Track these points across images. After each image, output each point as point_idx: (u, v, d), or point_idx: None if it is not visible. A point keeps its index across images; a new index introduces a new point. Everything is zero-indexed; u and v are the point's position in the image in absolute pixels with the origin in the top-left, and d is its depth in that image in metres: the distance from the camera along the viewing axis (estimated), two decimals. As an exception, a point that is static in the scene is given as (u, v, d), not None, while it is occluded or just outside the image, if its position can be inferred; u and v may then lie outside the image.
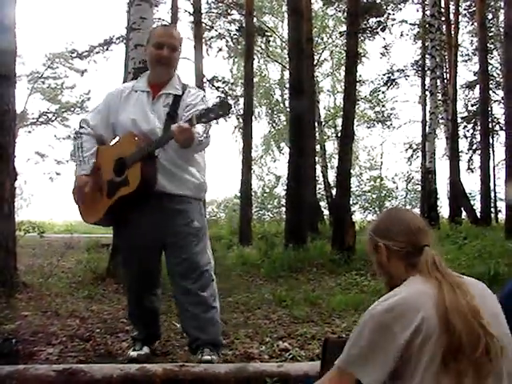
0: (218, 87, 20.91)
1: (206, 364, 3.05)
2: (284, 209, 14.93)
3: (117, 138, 3.46)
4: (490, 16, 21.97)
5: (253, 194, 18.23)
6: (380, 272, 1.93)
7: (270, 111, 27.50)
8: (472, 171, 26.28)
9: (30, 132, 32.93)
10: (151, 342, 3.60)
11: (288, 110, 13.25)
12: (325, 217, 18.74)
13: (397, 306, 1.63)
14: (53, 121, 33.09)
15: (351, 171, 11.39)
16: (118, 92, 3.50)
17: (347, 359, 1.67)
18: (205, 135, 3.13)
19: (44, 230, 9.68)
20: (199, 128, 3.05)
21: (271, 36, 23.21)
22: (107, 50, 20.68)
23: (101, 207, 3.36)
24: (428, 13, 17.58)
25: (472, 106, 26.25)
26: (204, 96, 3.48)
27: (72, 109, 32.79)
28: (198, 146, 3.15)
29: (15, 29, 6.00)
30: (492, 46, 23.09)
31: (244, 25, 16.70)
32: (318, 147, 20.78)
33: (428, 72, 18.24)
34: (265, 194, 25.88)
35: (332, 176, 23.36)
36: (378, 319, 1.64)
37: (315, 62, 20.60)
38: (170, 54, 3.35)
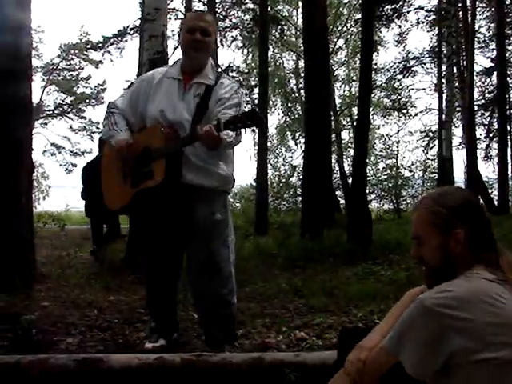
0: (233, 77, 20.85)
1: (223, 353, 3.07)
2: (300, 198, 14.88)
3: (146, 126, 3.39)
4: (507, 1, 21.64)
5: (268, 183, 18.21)
6: (437, 260, 1.69)
7: (285, 101, 27.38)
8: (489, 159, 26.03)
9: (45, 124, 33.18)
10: (169, 334, 3.58)
11: (303, 99, 13.19)
12: (341, 206, 18.66)
13: (459, 300, 1.51)
14: (68, 112, 33.29)
15: (367, 160, 11.32)
16: (150, 79, 3.43)
17: (392, 343, 1.60)
18: (234, 135, 3.07)
19: (65, 223, 9.76)
20: (228, 130, 2.96)
21: (285, 25, 23.10)
22: (122, 41, 20.72)
23: (124, 196, 3.35)
24: (444, -1, 17.39)
25: (489, 93, 25.89)
26: (238, 88, 3.41)
27: (87, 100, 32.97)
28: (226, 146, 3.12)
29: (31, 23, 6.03)
30: (510, 31, 22.76)
31: (258, 14, 16.63)
32: (333, 136, 20.68)
33: (444, 59, 18.08)
34: (281, 184, 25.80)
35: (348, 165, 23.24)
36: (432, 312, 1.51)
37: (330, 50, 20.48)
38: (203, 38, 3.27)
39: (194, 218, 3.28)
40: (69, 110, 33.37)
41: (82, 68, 33.05)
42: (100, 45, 21.77)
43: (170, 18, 19.59)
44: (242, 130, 3.04)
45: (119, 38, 20.66)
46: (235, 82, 3.50)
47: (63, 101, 33.48)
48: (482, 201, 18.75)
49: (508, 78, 21.49)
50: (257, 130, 13.37)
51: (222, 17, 20.21)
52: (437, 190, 1.80)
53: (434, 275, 1.72)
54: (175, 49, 19.72)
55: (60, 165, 34.03)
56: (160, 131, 3.20)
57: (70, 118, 33.50)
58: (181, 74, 3.35)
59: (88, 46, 26.33)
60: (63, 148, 34.00)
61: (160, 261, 3.45)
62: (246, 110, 3.00)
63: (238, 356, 3.01)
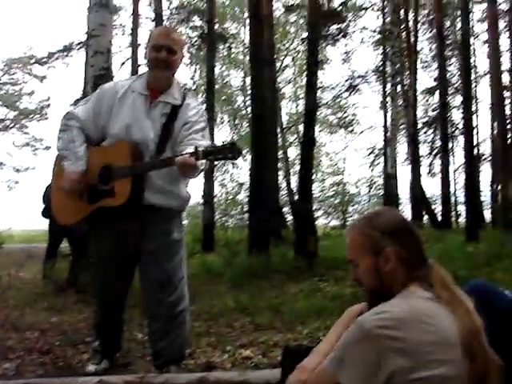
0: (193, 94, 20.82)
1: (167, 374, 3.02)
2: (247, 215, 14.91)
3: (108, 142, 3.28)
4: (447, 24, 22.36)
5: (215, 200, 18.18)
6: (370, 280, 1.71)
7: (232, 117, 27.50)
8: (433, 175, 26.71)
9: (-13, 139, 32.38)
10: (112, 354, 3.52)
11: (250, 116, 13.28)
12: (288, 223, 18.78)
13: (397, 321, 1.51)
14: (11, 128, 32.55)
15: (314, 177, 11.44)
16: (113, 90, 3.32)
17: (332, 364, 1.59)
18: (206, 164, 3.02)
19: (3, 241, 9.50)
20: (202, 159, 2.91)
21: (233, 42, 23.27)
22: (67, 56, 20.46)
23: (79, 211, 3.27)
24: (388, 20, 17.82)
25: (432, 111, 26.69)
26: (204, 111, 3.40)
27: (31, 115, 32.31)
28: (197, 174, 3.10)
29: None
30: (450, 53, 23.50)
31: (206, 31, 16.68)
32: (280, 153, 20.84)
33: (388, 78, 18.47)
34: (228, 201, 25.84)
35: (295, 182, 23.46)
36: (371, 333, 1.51)
37: (277, 68, 20.70)
38: (168, 56, 3.21)
39: (151, 238, 3.23)
40: (11, 125, 32.65)
41: (26, 82, 32.46)
42: (45, 59, 21.44)
43: (116, 34, 19.48)
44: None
45: (64, 53, 20.39)
46: (200, 103, 3.49)
47: (6, 116, 32.77)
48: (425, 216, 19.22)
49: (449, 97, 22.17)
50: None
51: (169, 33, 20.16)
52: (367, 212, 1.83)
53: (372, 296, 1.73)
54: (122, 65, 19.62)
55: (2, 181, 33.25)
56: (126, 150, 3.14)
57: (12, 134, 32.79)
58: (146, 89, 3.29)
59: (32, 61, 25.87)
60: (5, 164, 33.24)
61: (112, 279, 3.37)
62: (227, 142, 2.93)
63: (181, 376, 2.97)
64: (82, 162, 3.22)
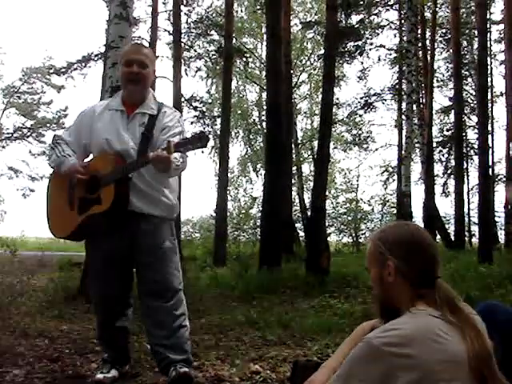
0: (196, 107, 20.95)
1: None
2: (259, 230, 14.92)
3: (91, 156, 3.43)
4: (464, 43, 22.38)
5: (228, 214, 18.20)
6: (377, 289, 1.78)
7: (247, 132, 27.57)
8: (447, 195, 26.59)
9: (3, 147, 32.65)
10: (121, 365, 3.53)
11: (265, 131, 13.33)
12: (300, 238, 18.75)
13: (405, 338, 1.51)
14: (28, 136, 32.86)
15: (327, 193, 11.43)
16: (91, 111, 3.47)
17: (339, 381, 1.59)
18: (181, 160, 3.13)
19: (16, 248, 9.55)
20: (176, 154, 3.03)
21: (250, 57, 23.37)
22: (85, 66, 20.63)
23: (70, 222, 3.34)
24: (405, 38, 17.81)
25: (447, 130, 26.63)
26: (180, 117, 3.50)
27: (48, 125, 32.62)
28: (174, 170, 3.16)
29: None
30: (467, 72, 23.48)
31: (223, 45, 16.79)
32: (294, 169, 20.85)
33: (404, 96, 18.42)
34: (240, 215, 25.83)
35: (308, 198, 23.43)
36: (378, 351, 1.51)
37: (293, 83, 20.75)
38: (140, 70, 3.32)
39: (143, 249, 3.29)
40: (28, 133, 32.95)
41: (44, 92, 32.78)
42: (63, 70, 21.62)
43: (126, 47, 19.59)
44: (189, 154, 3.15)
45: (83, 64, 20.57)
46: (176, 111, 3.56)
47: (23, 124, 33.08)
48: (438, 236, 19.09)
49: (465, 117, 22.11)
50: (217, 161, 13.40)
51: (187, 47, 20.34)
52: (386, 225, 1.87)
53: (379, 304, 1.79)
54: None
55: (17, 189, 33.50)
56: (108, 158, 3.25)
57: (29, 142, 33.06)
58: (122, 105, 3.40)
59: (51, 71, 26.10)
60: (21, 172, 33.50)
61: (107, 289, 3.41)
62: (195, 132, 3.05)
63: (190, 389, 2.96)
64: (73, 160, 3.33)
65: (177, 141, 3.02)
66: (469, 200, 24.43)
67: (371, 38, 22.23)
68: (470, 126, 24.99)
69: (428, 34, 21.28)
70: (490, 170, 18.27)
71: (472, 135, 25.18)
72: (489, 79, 19.62)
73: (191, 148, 2.98)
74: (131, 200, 3.22)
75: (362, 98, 24.34)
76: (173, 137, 3.21)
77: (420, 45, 20.28)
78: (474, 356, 1.52)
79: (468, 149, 24.40)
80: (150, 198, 3.28)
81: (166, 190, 3.36)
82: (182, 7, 17.93)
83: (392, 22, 22.78)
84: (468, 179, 24.62)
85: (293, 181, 18.78)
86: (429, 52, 20.81)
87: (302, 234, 20.26)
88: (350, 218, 23.41)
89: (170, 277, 3.31)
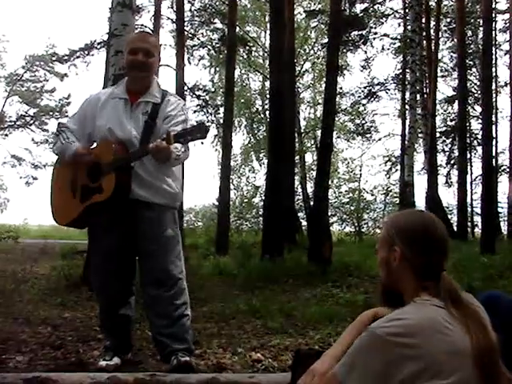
0: (199, 96, 20.89)
1: (177, 374, 3.03)
2: (262, 219, 14.93)
3: (94, 144, 3.43)
4: (469, 33, 22.26)
5: (231, 203, 18.20)
6: (383, 273, 1.79)
7: (250, 121, 27.52)
8: (450, 185, 26.54)
9: (6, 135, 32.64)
10: (123, 352, 3.54)
11: (268, 120, 13.29)
12: (303, 228, 18.75)
13: (409, 328, 1.51)
14: (31, 124, 32.83)
15: (330, 183, 11.41)
16: (95, 99, 3.47)
17: (343, 370, 1.59)
18: (183, 150, 3.14)
19: (18, 235, 9.57)
20: (177, 144, 3.04)
21: (253, 46, 23.28)
22: (88, 54, 20.59)
23: (73, 210, 3.35)
24: (409, 28, 17.74)
25: (451, 120, 26.54)
26: (184, 105, 3.49)
27: (51, 113, 32.57)
28: (175, 160, 3.18)
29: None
30: (471, 62, 23.37)
31: (226, 34, 16.73)
32: (297, 158, 20.83)
33: (408, 86, 18.39)
34: (243, 204, 25.84)
35: (311, 187, 23.41)
36: (382, 341, 1.51)
37: (296, 72, 20.69)
38: (145, 58, 3.31)
39: (146, 237, 3.30)
40: (31, 121, 32.92)
41: (47, 80, 32.73)
42: (66, 57, 21.58)
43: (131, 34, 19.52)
44: (190, 144, 3.16)
45: (86, 52, 20.52)
46: (181, 99, 3.55)
47: (26, 112, 33.05)
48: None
49: (469, 107, 22.02)
50: (220, 150, 13.38)
51: (190, 35, 20.26)
52: (397, 211, 1.88)
53: (382, 288, 1.82)
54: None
55: (20, 177, 33.54)
56: (110, 147, 3.25)
57: (31, 130, 33.05)
58: (126, 93, 3.40)
59: (54, 59, 26.06)
60: (24, 160, 33.52)
61: (110, 276, 3.41)
62: (195, 123, 3.06)
63: (192, 376, 2.97)
64: (78, 144, 3.33)
65: (177, 131, 3.02)
66: (472, 190, 24.41)
67: (375, 27, 22.15)
68: (473, 117, 24.89)
69: (432, 23, 21.14)
70: (494, 160, 18.25)
71: (476, 125, 25.11)
72: (493, 69, 19.48)
73: (191, 139, 3.00)
74: (133, 189, 3.22)
75: (365, 88, 24.26)
76: (176, 125, 3.22)
77: (424, 34, 20.16)
78: (478, 351, 1.51)
79: (471, 139, 24.35)
80: (153, 186, 3.28)
81: (168, 178, 3.35)
82: (186, -5, 17.84)
83: (396, 11, 22.69)
84: (471, 170, 24.59)
85: (295, 170, 18.76)
86: (433, 41, 20.70)
87: (304, 223, 20.26)
88: (352, 208, 23.38)
89: (170, 265, 3.32)
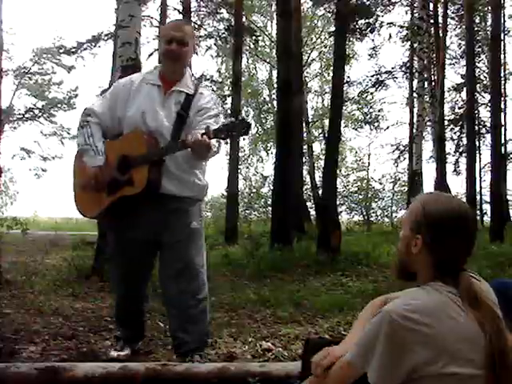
0: (206, 86, 20.89)
1: (188, 363, 3.05)
2: (270, 209, 14.96)
3: (125, 131, 3.31)
4: (477, 20, 22.08)
5: (239, 193, 18.22)
6: (401, 248, 1.74)
7: (257, 111, 27.48)
8: (458, 173, 26.46)
9: (15, 128, 32.74)
10: (134, 342, 3.57)
11: (276, 109, 13.28)
12: (311, 217, 18.76)
13: (424, 313, 1.50)
14: (39, 117, 32.92)
15: (338, 172, 11.41)
16: (127, 83, 3.40)
17: (356, 355, 1.60)
18: (217, 145, 3.10)
19: (27, 227, 9.62)
20: (213, 140, 2.99)
21: (260, 35, 23.21)
22: (95, 46, 20.61)
23: (100, 203, 3.30)
24: (417, 15, 17.64)
25: (459, 108, 26.41)
26: (217, 99, 3.45)
27: (59, 105, 32.63)
28: (211, 155, 3.16)
29: (1, 24, 5.96)
30: (479, 49, 23.21)
31: (233, 24, 16.69)
32: (305, 147, 20.81)
33: (416, 74, 18.32)
34: (251, 194, 25.87)
35: (319, 177, 23.38)
36: (396, 324, 1.50)
37: (304, 62, 20.63)
38: (179, 48, 3.26)
39: (172, 229, 3.26)
40: (40, 114, 33.00)
41: (55, 72, 32.76)
42: (73, 50, 21.61)
43: (144, 25, 19.55)
44: (222, 141, 3.11)
45: (93, 44, 20.54)
46: (213, 93, 3.53)
47: (34, 105, 33.12)
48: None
49: (477, 95, 21.89)
50: (229, 140, 13.41)
51: (196, 26, 20.22)
52: (436, 193, 1.80)
53: (398, 263, 1.79)
54: (149, 56, 19.71)
55: (29, 169, 33.67)
56: (142, 138, 3.18)
57: (40, 123, 33.14)
58: (159, 80, 3.35)
59: (61, 51, 26.07)
60: (33, 152, 33.63)
61: (132, 268, 3.41)
62: (236, 119, 3.00)
63: (202, 366, 3.00)
64: (101, 156, 3.25)
65: (220, 126, 2.97)
66: (481, 178, 24.26)
67: (382, 15, 22.02)
68: (482, 104, 24.75)
69: (440, 10, 21.01)
70: (503, 148, 18.16)
71: (484, 113, 24.97)
72: (502, 56, 19.34)
73: (231, 136, 2.98)
74: (163, 183, 3.18)
75: (373, 76, 24.19)
76: (209, 119, 3.18)
77: (432, 21, 20.05)
78: (491, 351, 1.51)
79: (480, 127, 24.21)
80: (182, 180, 3.24)
81: (197, 171, 3.32)
82: (192, -15, 17.79)
83: (404, -1, 22.53)
84: (480, 157, 24.45)
85: (304, 159, 18.74)
86: (441, 28, 20.57)
87: (313, 212, 20.26)
88: (360, 197, 23.39)
89: (193, 258, 3.29)
